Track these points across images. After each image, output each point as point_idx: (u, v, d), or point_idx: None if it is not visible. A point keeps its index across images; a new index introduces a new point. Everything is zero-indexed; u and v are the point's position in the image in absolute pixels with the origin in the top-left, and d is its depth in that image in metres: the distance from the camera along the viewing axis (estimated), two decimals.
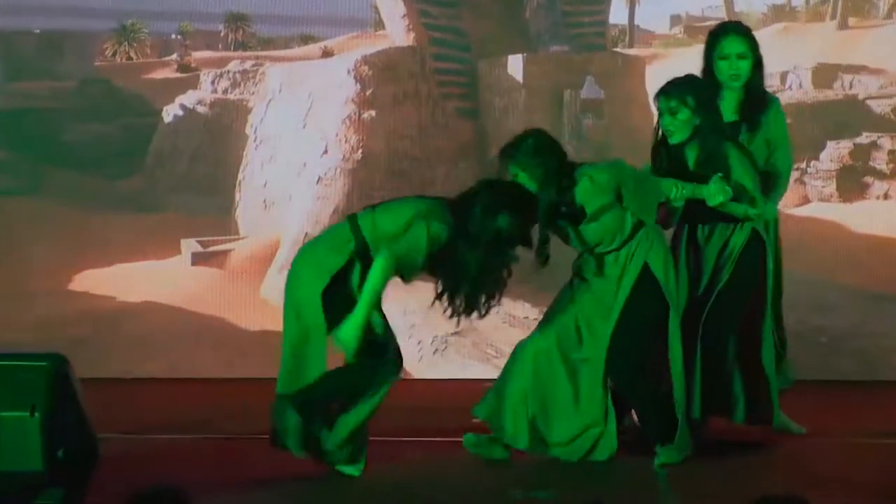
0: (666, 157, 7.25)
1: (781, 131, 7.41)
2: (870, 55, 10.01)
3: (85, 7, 10.15)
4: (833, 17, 10.06)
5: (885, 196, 9.89)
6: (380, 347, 6.90)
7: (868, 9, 10.10)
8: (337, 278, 6.86)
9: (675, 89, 7.16)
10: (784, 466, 7.13)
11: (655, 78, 10.01)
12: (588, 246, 7.08)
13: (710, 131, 7.14)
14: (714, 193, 6.98)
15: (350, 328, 6.70)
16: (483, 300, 6.90)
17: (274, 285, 9.97)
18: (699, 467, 7.04)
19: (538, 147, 6.95)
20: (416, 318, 9.77)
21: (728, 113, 7.39)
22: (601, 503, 4.43)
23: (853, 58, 9.99)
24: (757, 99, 7.45)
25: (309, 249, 7.10)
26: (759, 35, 9.99)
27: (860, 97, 9.97)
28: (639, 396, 7.21)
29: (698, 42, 10.34)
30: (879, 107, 9.94)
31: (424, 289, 9.65)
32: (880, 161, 9.98)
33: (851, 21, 10.05)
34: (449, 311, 6.96)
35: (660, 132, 7.27)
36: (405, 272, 6.93)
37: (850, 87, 9.96)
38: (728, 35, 7.52)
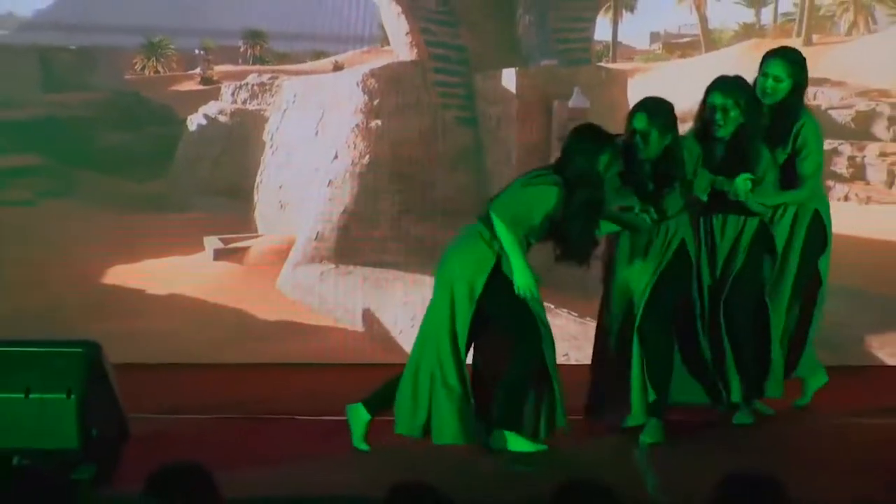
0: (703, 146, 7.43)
1: (809, 143, 7.49)
2: (832, 69, 10.07)
3: (116, 25, 10.21)
4: (798, 34, 10.09)
5: (846, 198, 10.02)
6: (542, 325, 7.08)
7: (830, 27, 10.14)
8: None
9: (730, 89, 7.36)
10: (759, 446, 7.10)
11: (636, 89, 10.05)
12: (664, 216, 7.21)
13: (751, 132, 7.31)
14: (743, 190, 7.14)
15: (519, 273, 6.97)
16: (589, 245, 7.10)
17: (288, 279, 10.06)
18: (676, 446, 7.06)
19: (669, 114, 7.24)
20: (416, 309, 9.73)
21: None
22: (599, 483, 4.28)
23: (817, 71, 9.95)
24: (785, 116, 7.54)
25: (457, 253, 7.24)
26: (731, 50, 10.14)
27: (823, 107, 10.01)
28: (662, 359, 7.29)
29: (675, 57, 10.36)
30: (840, 116, 10.01)
31: (420, 283, 9.64)
32: (841, 166, 10.06)
33: (815, 38, 10.09)
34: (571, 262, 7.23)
35: (701, 123, 7.46)
36: (530, 236, 7.02)
37: (814, 98, 9.97)
38: (774, 58, 7.64)
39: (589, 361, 8.35)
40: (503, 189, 7.13)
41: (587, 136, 6.99)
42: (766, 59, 7.68)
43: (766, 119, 7.53)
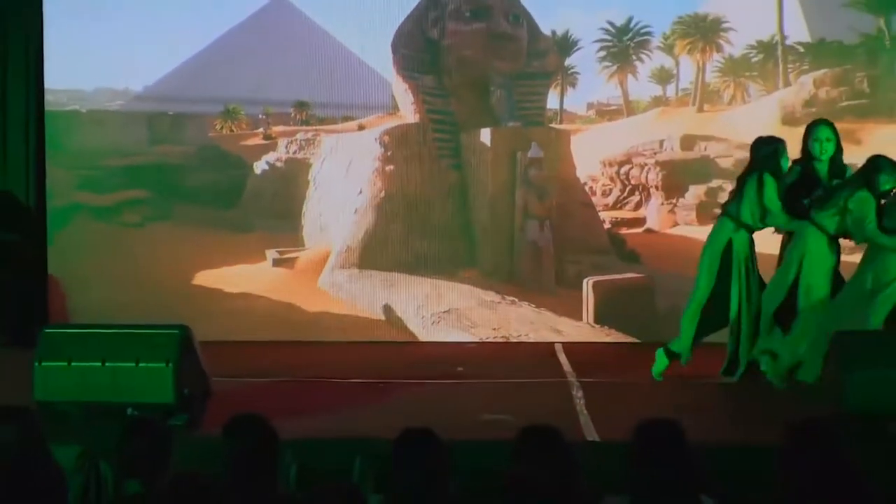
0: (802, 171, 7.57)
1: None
2: (718, 129, 9.98)
3: (202, 97, 10.15)
4: (694, 103, 10.03)
5: None
6: None
7: (716, 98, 10.05)
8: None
9: (831, 128, 7.57)
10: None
11: (577, 144, 10.01)
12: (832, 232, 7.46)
13: (839, 161, 7.58)
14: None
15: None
16: None
17: (326, 280, 10.01)
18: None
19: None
20: (419, 301, 9.76)
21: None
22: (552, 427, 4.29)
23: (707, 130, 9.98)
24: (838, 167, 7.63)
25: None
26: (645, 115, 10.06)
27: (711, 156, 9.96)
28: None
29: (605, 120, 10.29)
30: (724, 163, 9.93)
31: (423, 283, 9.64)
32: (724, 198, 9.91)
33: (706, 106, 10.02)
34: None
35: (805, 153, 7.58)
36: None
37: (705, 149, 9.95)
38: (820, 126, 7.65)
39: (544, 342, 8.37)
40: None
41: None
42: (813, 128, 7.63)
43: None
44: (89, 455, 4.38)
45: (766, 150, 7.63)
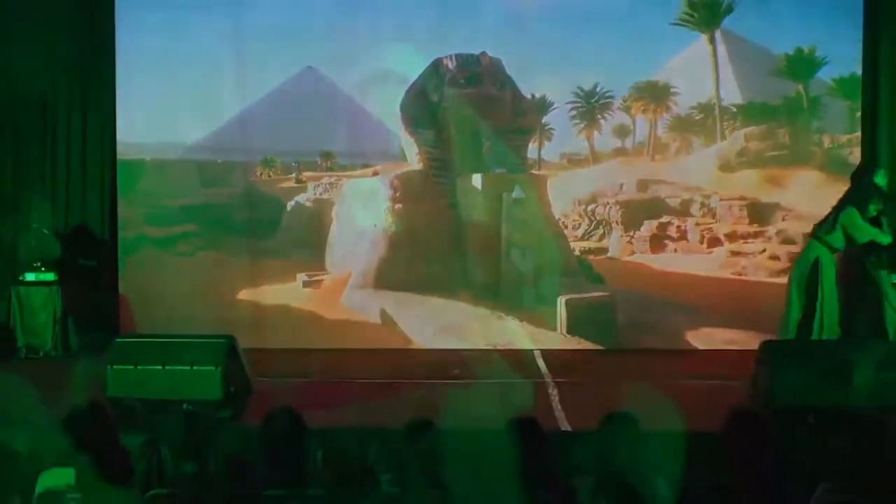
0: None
1: None
2: (667, 175, 9.95)
3: (244, 148, 10.13)
4: (648, 153, 10.01)
5: (675, 251, 9.86)
6: None
7: (666, 150, 10.05)
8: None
9: (884, 170, 7.48)
10: None
11: (553, 187, 10.00)
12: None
13: None
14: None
15: None
16: None
17: (347, 298, 9.94)
18: None
19: None
20: (422, 315, 9.73)
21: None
22: (533, 419, 4.29)
23: (658, 176, 9.99)
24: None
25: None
26: (609, 164, 10.02)
27: (662, 197, 9.95)
28: None
29: (575, 167, 10.24)
30: (672, 201, 9.94)
31: (426, 301, 9.62)
32: (672, 231, 9.96)
33: (657, 156, 10.00)
34: None
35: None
36: None
37: (657, 191, 9.96)
38: (879, 169, 7.65)
39: (525, 349, 8.27)
40: None
41: None
42: (871, 170, 7.49)
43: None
44: (152, 442, 4.38)
45: (863, 179, 7.43)
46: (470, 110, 9.88)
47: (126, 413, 6.11)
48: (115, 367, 6.91)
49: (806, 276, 7.56)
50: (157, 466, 4.29)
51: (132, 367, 6.88)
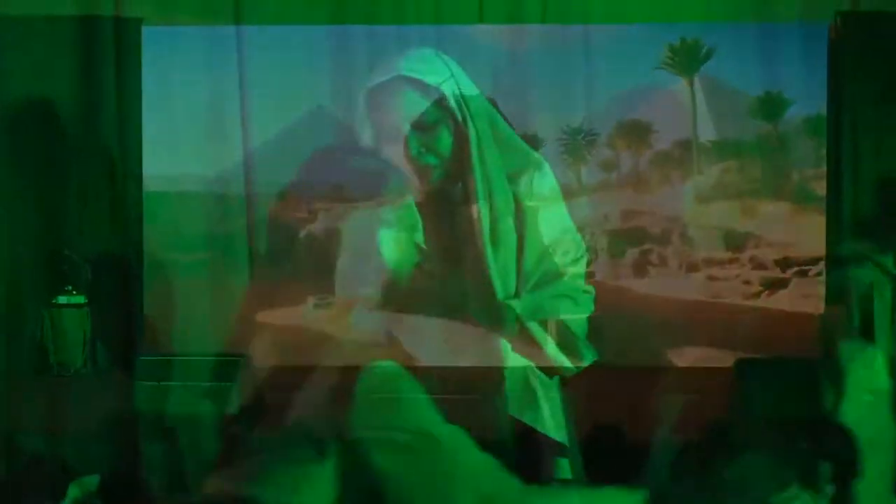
0: None
1: None
2: (648, 206, 9.95)
3: (260, 180, 10.06)
4: (631, 186, 9.98)
5: (657, 276, 9.87)
6: None
7: (648, 183, 10.02)
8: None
9: None
10: None
11: (545, 218, 9.87)
12: None
13: None
14: None
15: None
16: None
17: (354, 319, 9.86)
18: None
19: None
20: (423, 334, 9.71)
21: None
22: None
23: (640, 207, 10.00)
24: None
25: None
26: (595, 195, 9.97)
27: (644, 226, 9.96)
28: None
29: (569, 199, 10.17)
30: (653, 230, 9.92)
31: (426, 321, 9.60)
32: (654, 258, 9.93)
33: (640, 189, 9.96)
34: None
35: None
36: None
37: (640, 221, 9.97)
38: None
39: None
40: None
41: None
42: None
43: None
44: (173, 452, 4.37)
45: None
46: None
47: (150, 425, 6.10)
48: (140, 383, 6.92)
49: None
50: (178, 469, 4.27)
51: (156, 383, 6.89)
